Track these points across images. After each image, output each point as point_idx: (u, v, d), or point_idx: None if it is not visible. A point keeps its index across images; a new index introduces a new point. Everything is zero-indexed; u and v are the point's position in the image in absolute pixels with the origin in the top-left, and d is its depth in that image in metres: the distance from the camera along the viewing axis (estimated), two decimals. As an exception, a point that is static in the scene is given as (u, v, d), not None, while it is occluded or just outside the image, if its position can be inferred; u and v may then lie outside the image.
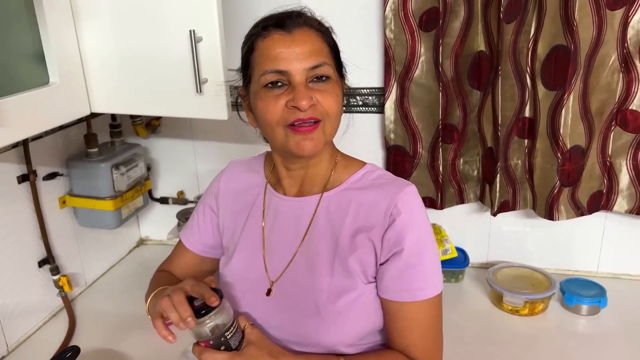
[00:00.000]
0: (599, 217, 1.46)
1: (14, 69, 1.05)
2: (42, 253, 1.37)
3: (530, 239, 1.55)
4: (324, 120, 0.84)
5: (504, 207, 1.43)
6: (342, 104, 0.89)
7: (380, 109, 1.48)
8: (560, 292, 1.40)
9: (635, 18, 1.25)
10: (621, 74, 1.30)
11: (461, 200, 1.50)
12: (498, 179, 1.38)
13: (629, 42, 1.27)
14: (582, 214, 1.40)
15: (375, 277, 0.87)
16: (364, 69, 1.39)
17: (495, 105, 1.33)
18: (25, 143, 1.28)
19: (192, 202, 1.73)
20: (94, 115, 1.23)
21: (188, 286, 0.81)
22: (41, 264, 1.37)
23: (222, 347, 0.80)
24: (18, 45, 1.04)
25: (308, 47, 0.82)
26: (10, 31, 1.02)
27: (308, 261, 0.90)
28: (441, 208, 1.47)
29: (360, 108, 1.50)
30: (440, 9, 1.29)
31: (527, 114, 1.37)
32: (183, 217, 1.64)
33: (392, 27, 1.35)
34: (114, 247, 1.70)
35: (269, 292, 0.92)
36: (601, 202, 1.41)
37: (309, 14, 0.87)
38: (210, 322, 0.79)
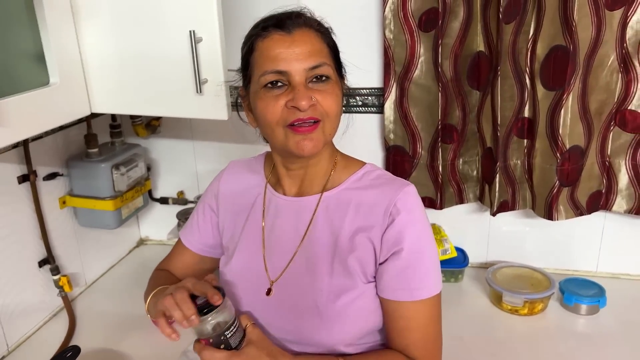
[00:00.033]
0: (598, 217, 1.46)
1: (14, 70, 1.05)
2: (42, 253, 1.37)
3: (529, 239, 1.55)
4: (323, 121, 0.84)
5: (504, 207, 1.43)
6: (342, 104, 0.89)
7: (380, 109, 1.48)
8: (559, 291, 1.40)
9: (634, 18, 1.25)
10: (620, 74, 1.30)
11: (460, 200, 1.50)
12: (497, 179, 1.38)
13: (627, 43, 1.27)
14: (581, 214, 1.40)
15: (374, 277, 0.87)
16: (363, 69, 1.39)
17: (495, 105, 1.33)
18: (25, 143, 1.28)
19: (192, 202, 1.73)
20: (94, 115, 1.24)
21: (190, 284, 0.81)
22: (41, 264, 1.37)
23: (222, 346, 0.80)
24: (18, 45, 1.04)
25: (308, 47, 0.82)
26: (10, 31, 1.02)
27: (308, 261, 0.90)
28: (440, 208, 1.47)
29: (360, 108, 1.50)
30: (440, 10, 1.29)
31: (526, 114, 1.37)
32: (183, 217, 1.64)
33: (392, 28, 1.35)
34: (114, 247, 1.70)
35: (268, 292, 0.92)
36: (600, 202, 1.42)
37: (308, 15, 0.87)
38: (212, 320, 0.79)
